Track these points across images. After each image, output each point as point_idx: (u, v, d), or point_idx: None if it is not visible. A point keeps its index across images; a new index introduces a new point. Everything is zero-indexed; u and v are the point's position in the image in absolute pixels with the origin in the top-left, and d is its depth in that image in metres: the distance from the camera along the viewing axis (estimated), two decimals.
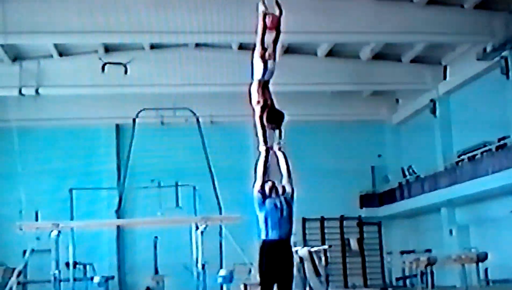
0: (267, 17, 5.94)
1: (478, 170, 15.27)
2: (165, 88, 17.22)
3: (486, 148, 15.50)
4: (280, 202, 5.44)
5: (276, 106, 5.73)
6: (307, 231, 19.88)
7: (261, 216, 5.39)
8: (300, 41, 16.47)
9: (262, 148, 5.54)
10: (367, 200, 20.70)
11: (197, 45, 17.18)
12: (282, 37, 6.01)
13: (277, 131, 5.70)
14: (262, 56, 5.84)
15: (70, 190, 17.27)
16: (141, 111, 17.24)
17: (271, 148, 5.58)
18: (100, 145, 19.41)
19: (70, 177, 18.14)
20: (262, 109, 5.65)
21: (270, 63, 5.84)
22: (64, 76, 16.74)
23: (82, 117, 18.77)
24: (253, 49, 5.91)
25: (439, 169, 17.74)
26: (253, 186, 5.43)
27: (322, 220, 20.24)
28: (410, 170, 19.50)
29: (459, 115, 17.68)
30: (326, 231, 20.24)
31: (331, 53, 17.53)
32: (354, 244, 20.37)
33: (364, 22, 14.52)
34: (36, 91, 16.58)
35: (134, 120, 17.27)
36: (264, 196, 5.36)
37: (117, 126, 19.71)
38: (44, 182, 18.14)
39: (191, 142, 17.32)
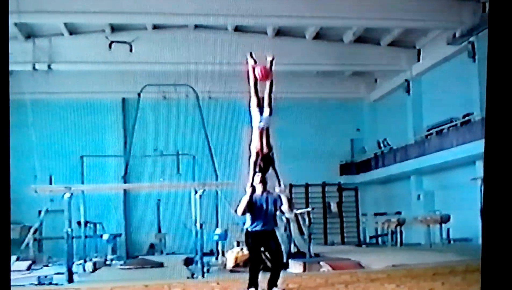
0: (256, 69, 5.74)
1: (444, 143, 15.36)
2: (166, 66, 16.94)
3: (452, 124, 15.56)
4: (267, 202, 5.43)
5: (269, 152, 5.65)
6: (293, 196, 19.99)
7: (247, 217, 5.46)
8: (289, 25, 16.25)
9: (248, 189, 5.48)
10: (346, 168, 20.83)
11: (196, 26, 16.87)
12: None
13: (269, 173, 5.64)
14: (258, 105, 5.71)
15: (81, 157, 17.14)
16: (145, 86, 17.00)
17: (268, 192, 5.50)
18: (108, 117, 19.18)
19: (80, 146, 17.97)
20: (256, 156, 5.58)
21: (265, 112, 5.71)
22: (74, 53, 16.39)
23: (90, 91, 18.47)
24: (250, 99, 5.77)
25: (410, 142, 17.83)
26: (236, 210, 5.44)
27: (307, 186, 20.39)
28: (385, 143, 19.59)
29: (430, 94, 17.67)
30: (309, 195, 20.40)
31: (317, 36, 17.32)
32: (334, 207, 20.60)
33: (347, 9, 14.38)
34: (48, 66, 16.26)
35: (138, 94, 17.05)
36: (245, 213, 5.37)
37: (123, 100, 19.45)
38: (57, 150, 17.94)
39: (190, 115, 17.21)
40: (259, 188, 5.48)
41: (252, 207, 5.40)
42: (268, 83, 5.79)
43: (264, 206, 5.41)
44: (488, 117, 2.85)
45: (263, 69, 5.73)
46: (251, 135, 5.71)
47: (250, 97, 5.81)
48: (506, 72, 2.94)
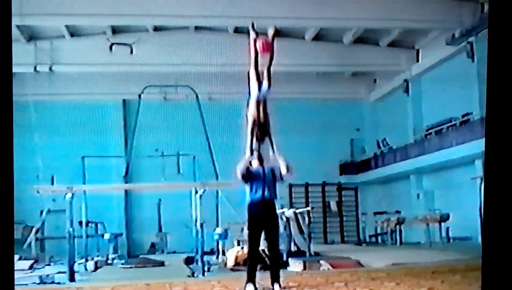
0: (257, 42, 5.74)
1: (444, 142, 15.37)
2: (167, 67, 16.97)
3: (452, 123, 15.58)
4: (264, 172, 5.46)
5: (266, 120, 5.66)
6: (293, 195, 20.04)
7: (246, 186, 5.47)
8: (290, 26, 16.25)
9: (247, 153, 5.49)
10: (346, 168, 20.83)
11: (196, 28, 16.88)
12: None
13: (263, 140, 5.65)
14: (257, 79, 5.71)
15: (83, 158, 17.13)
16: (146, 87, 17.01)
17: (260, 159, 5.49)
18: (109, 118, 19.19)
19: (82, 146, 17.97)
20: (253, 124, 5.59)
21: (264, 85, 5.71)
22: (76, 55, 16.42)
23: (92, 92, 18.49)
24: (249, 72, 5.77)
25: (409, 142, 17.84)
26: (237, 167, 5.45)
27: (307, 185, 20.40)
28: (384, 142, 19.60)
29: (429, 94, 17.68)
30: (309, 195, 20.42)
31: (317, 37, 17.33)
32: (333, 206, 20.60)
33: (347, 10, 14.42)
34: (50, 68, 16.28)
35: (139, 95, 17.06)
36: (245, 179, 5.39)
37: (124, 101, 19.48)
38: (59, 150, 17.97)
39: (191, 116, 17.21)
40: (255, 163, 5.49)
41: (251, 176, 5.41)
42: (268, 57, 5.80)
43: (262, 175, 5.43)
44: (488, 116, 2.86)
45: (264, 42, 5.73)
46: (248, 104, 5.73)
47: (249, 69, 5.80)
48: (506, 71, 2.94)
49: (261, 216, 5.39)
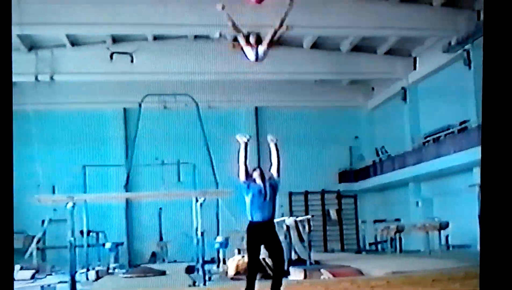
0: None
1: (442, 150, 15.36)
2: (167, 76, 16.99)
3: (449, 131, 15.59)
4: (265, 187, 5.41)
5: None
6: (293, 203, 19.98)
7: (247, 199, 5.39)
8: (287, 34, 16.29)
9: (242, 140, 5.40)
10: (345, 176, 20.80)
11: (195, 37, 16.95)
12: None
13: None
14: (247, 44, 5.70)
15: (83, 167, 17.11)
16: (146, 96, 17.03)
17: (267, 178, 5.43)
18: (109, 127, 19.19)
19: (82, 155, 17.95)
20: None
21: (261, 48, 5.72)
22: (76, 64, 16.44)
23: (92, 101, 18.51)
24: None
25: (407, 149, 17.82)
26: (238, 175, 5.37)
27: (306, 193, 20.35)
28: (383, 150, 19.59)
29: (426, 101, 17.70)
30: (309, 203, 20.37)
31: (315, 46, 17.39)
32: (333, 214, 20.54)
33: (344, 18, 14.45)
34: (51, 77, 16.29)
35: (139, 104, 17.07)
36: (248, 184, 5.34)
37: (124, 109, 19.49)
38: (59, 160, 17.93)
39: (190, 124, 17.22)
40: (257, 178, 5.43)
41: (251, 193, 5.36)
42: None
43: (263, 190, 5.38)
44: (484, 123, 2.86)
45: None
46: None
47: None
48: (501, 79, 2.95)
49: (262, 237, 5.37)
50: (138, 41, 16.56)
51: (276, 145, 5.52)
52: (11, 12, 2.61)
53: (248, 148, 5.40)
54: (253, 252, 5.39)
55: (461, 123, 15.08)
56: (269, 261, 6.07)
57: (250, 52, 5.66)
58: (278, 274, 5.47)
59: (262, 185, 5.37)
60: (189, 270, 11.02)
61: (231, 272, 9.96)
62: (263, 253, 5.95)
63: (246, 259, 8.91)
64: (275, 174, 5.46)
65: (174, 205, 16.44)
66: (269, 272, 5.78)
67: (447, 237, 14.70)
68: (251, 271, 5.42)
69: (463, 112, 14.84)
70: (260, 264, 5.66)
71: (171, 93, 17.40)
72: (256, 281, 5.47)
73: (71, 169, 17.41)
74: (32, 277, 11.41)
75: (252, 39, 5.75)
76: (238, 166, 5.37)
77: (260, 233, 5.35)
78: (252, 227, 5.38)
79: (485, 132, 2.82)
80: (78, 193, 13.97)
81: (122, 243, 17.02)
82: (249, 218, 5.41)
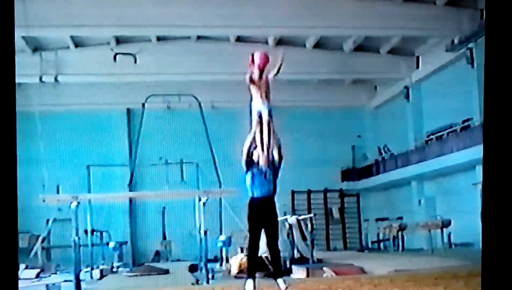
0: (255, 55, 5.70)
1: (444, 148, 15.30)
2: (170, 76, 17.05)
3: (452, 129, 15.52)
4: (266, 170, 5.46)
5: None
6: (295, 202, 19.97)
7: (247, 177, 5.46)
8: (290, 34, 16.31)
9: (254, 124, 5.53)
10: (347, 174, 20.77)
11: (198, 37, 16.96)
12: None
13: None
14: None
15: (88, 167, 17.18)
16: (149, 97, 17.07)
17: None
18: (113, 127, 19.25)
19: (87, 155, 18.02)
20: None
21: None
22: (80, 65, 16.50)
23: (97, 102, 18.55)
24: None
25: (410, 148, 17.77)
26: (242, 152, 5.47)
27: (309, 192, 20.34)
28: (386, 149, 19.54)
29: (429, 100, 17.64)
30: (312, 201, 20.35)
31: (318, 45, 17.37)
32: (336, 213, 20.51)
33: (347, 18, 14.43)
34: (55, 79, 16.37)
35: (143, 105, 17.11)
36: (248, 163, 5.41)
37: (128, 110, 19.53)
38: (64, 160, 18.00)
39: (194, 124, 17.23)
40: (262, 160, 5.47)
41: (253, 170, 5.41)
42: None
43: (263, 169, 5.43)
44: (486, 122, 2.85)
45: (262, 55, 5.72)
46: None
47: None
48: (503, 78, 2.93)
49: (261, 212, 5.42)
50: (142, 42, 16.60)
51: (269, 123, 5.57)
52: (14, 13, 2.62)
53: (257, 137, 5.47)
54: (253, 227, 5.42)
55: (463, 122, 15.01)
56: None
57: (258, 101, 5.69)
58: (273, 253, 5.47)
59: (263, 166, 5.44)
60: (193, 268, 11.05)
61: (234, 270, 9.97)
62: (266, 251, 5.96)
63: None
64: (276, 155, 5.50)
65: (178, 205, 16.47)
66: (271, 270, 5.77)
67: (449, 235, 14.65)
68: (252, 255, 5.43)
69: (466, 111, 14.77)
70: (259, 255, 5.68)
71: (174, 93, 17.44)
72: (258, 279, 5.48)
73: (75, 169, 17.49)
74: (37, 276, 11.47)
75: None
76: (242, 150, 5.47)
77: (260, 208, 5.40)
78: (253, 202, 5.45)
79: (486, 131, 2.80)
80: (82, 192, 14.04)
81: (126, 242, 17.08)
82: (249, 194, 5.46)
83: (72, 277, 9.11)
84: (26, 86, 16.65)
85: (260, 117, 5.59)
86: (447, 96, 16.21)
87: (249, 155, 5.46)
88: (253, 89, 5.71)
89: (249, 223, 5.52)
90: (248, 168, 5.45)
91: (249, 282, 5.38)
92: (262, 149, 5.48)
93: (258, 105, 5.67)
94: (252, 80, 5.68)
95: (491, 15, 2.96)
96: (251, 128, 5.61)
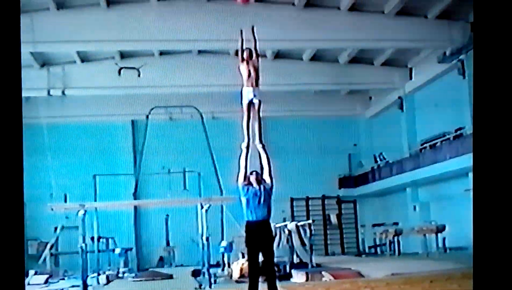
0: None
1: (438, 156, 15.31)
2: (173, 89, 17.10)
3: (445, 138, 15.53)
4: (260, 190, 5.45)
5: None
6: (294, 209, 19.92)
7: (243, 200, 5.46)
8: (287, 48, 16.40)
9: (244, 145, 5.52)
10: (344, 182, 20.75)
11: (199, 51, 17.06)
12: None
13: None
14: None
15: (94, 176, 17.16)
16: (153, 108, 17.12)
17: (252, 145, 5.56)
18: (118, 138, 19.29)
19: (93, 165, 18.02)
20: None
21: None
22: (86, 79, 16.58)
23: (102, 114, 18.62)
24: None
25: (405, 156, 17.78)
26: (237, 178, 5.45)
27: (307, 199, 20.29)
28: (381, 157, 19.54)
29: (423, 109, 17.68)
30: (310, 208, 20.29)
31: (314, 58, 17.45)
32: (333, 219, 20.45)
33: (342, 31, 14.51)
34: (63, 92, 16.43)
35: (147, 116, 17.17)
36: (247, 186, 5.39)
37: (133, 121, 19.60)
38: (71, 170, 18.03)
39: (195, 134, 17.27)
40: (254, 182, 5.47)
41: (249, 194, 5.39)
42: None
43: (258, 193, 5.41)
44: (475, 131, 2.85)
45: None
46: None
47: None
48: (491, 88, 2.95)
49: (258, 236, 5.39)
50: (145, 56, 16.70)
51: (263, 148, 5.58)
52: (20, 30, 2.64)
53: (249, 155, 5.47)
54: (251, 251, 5.40)
55: (456, 130, 15.03)
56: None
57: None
58: (269, 273, 5.44)
59: (257, 188, 5.42)
60: (195, 273, 10.98)
61: (236, 275, 9.91)
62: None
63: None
64: (267, 180, 5.49)
65: (181, 212, 16.44)
66: (266, 278, 5.74)
67: (444, 239, 14.60)
68: (252, 277, 5.40)
69: (458, 120, 14.80)
70: (260, 270, 5.64)
71: (176, 105, 17.49)
72: (260, 284, 5.45)
73: (82, 179, 17.47)
74: (46, 281, 11.41)
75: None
76: (238, 170, 5.45)
77: (256, 231, 5.38)
78: (249, 226, 5.42)
79: (476, 139, 2.81)
80: (89, 201, 13.99)
81: (131, 249, 17.00)
82: (245, 218, 5.45)
83: (79, 282, 9.06)
84: (35, 100, 16.73)
85: (249, 104, 5.60)
86: (439, 105, 16.25)
87: (246, 178, 5.45)
88: (244, 70, 5.73)
89: (247, 247, 5.51)
90: (244, 192, 5.43)
91: None
92: (248, 136, 5.50)
93: (249, 92, 5.68)
94: (243, 59, 5.71)
95: (479, 29, 2.99)
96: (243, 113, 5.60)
